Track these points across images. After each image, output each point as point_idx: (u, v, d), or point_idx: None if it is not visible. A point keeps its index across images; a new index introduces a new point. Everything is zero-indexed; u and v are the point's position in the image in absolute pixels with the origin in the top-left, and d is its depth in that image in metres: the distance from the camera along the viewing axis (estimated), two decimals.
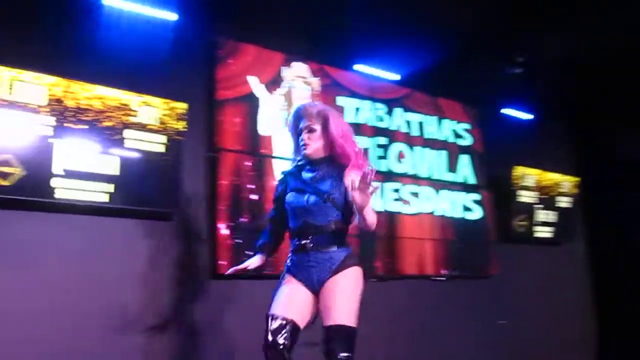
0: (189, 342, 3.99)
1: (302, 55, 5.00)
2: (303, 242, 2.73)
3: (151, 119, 3.95)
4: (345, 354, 2.52)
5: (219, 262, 4.18)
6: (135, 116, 3.88)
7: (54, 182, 3.54)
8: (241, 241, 4.23)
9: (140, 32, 4.09)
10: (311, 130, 2.81)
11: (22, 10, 3.71)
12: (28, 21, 3.71)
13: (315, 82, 5.05)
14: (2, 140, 3.43)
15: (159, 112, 3.98)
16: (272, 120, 4.69)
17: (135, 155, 3.86)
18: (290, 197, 2.80)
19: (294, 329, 2.63)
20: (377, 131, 5.40)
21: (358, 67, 5.35)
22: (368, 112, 5.38)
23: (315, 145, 2.81)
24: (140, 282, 3.86)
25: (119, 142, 3.81)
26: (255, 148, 4.55)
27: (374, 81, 5.46)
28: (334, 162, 2.81)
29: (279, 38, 4.83)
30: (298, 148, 2.88)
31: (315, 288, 2.71)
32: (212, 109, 4.41)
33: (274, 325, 2.62)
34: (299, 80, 4.95)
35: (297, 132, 2.87)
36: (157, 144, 3.94)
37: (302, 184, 2.79)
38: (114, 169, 3.76)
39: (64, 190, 3.57)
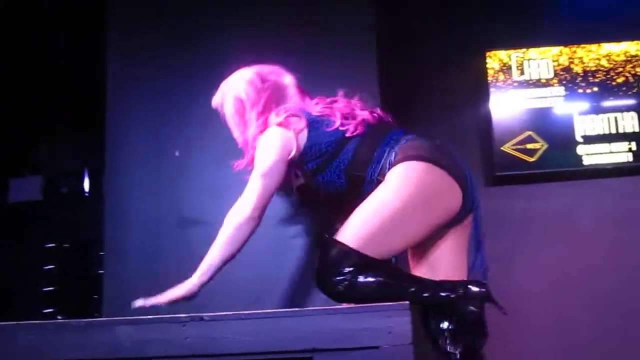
0: None
1: None
2: None
3: None
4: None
5: None
6: None
7: (580, 149, 3.58)
8: None
9: None
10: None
11: None
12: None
13: None
14: (522, 119, 3.63)
15: None
16: None
17: None
18: None
19: None
20: None
21: None
22: None
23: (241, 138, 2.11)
24: None
25: (634, 96, 3.62)
26: None
27: None
28: None
29: None
30: None
31: None
32: None
33: None
34: None
35: None
36: None
37: None
38: (633, 126, 3.60)
39: (587, 156, 3.57)
